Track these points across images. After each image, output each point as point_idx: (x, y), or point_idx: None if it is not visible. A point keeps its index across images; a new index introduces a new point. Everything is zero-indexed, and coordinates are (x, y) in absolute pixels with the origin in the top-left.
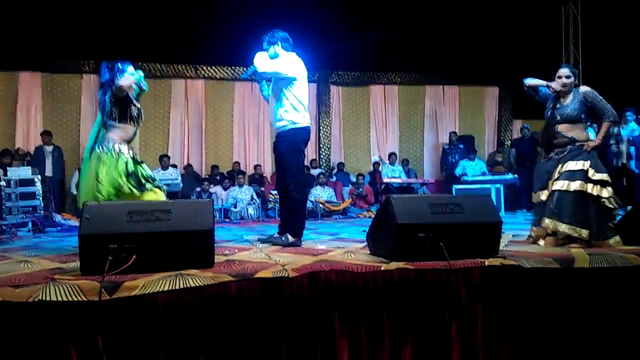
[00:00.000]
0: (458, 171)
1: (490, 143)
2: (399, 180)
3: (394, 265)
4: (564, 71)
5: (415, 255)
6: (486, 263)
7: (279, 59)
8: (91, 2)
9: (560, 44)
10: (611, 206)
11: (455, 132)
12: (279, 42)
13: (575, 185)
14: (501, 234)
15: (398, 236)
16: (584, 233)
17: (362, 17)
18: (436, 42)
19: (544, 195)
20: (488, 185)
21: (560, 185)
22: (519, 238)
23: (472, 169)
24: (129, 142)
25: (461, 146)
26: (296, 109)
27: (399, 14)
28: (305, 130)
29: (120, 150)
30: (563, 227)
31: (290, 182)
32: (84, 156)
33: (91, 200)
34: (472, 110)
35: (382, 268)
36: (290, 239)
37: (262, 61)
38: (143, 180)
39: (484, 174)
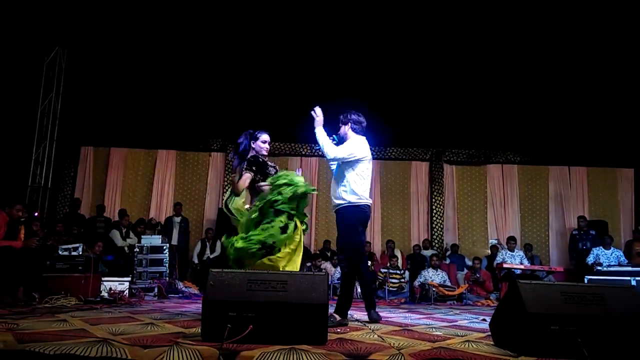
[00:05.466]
0: (590, 260)
1: (626, 230)
2: (521, 267)
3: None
4: None
5: (547, 350)
6: None
7: (349, 143)
8: (218, 88)
9: None
10: None
11: (584, 217)
12: (350, 124)
13: None
14: None
15: (527, 327)
16: None
17: (478, 92)
18: (559, 119)
19: None
20: (628, 278)
21: None
22: None
23: (607, 258)
24: None
25: (592, 232)
26: (354, 191)
27: (515, 89)
28: (361, 210)
29: None
30: None
31: (341, 257)
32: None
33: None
34: (603, 194)
35: None
36: (337, 318)
37: (339, 149)
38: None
39: (621, 264)
